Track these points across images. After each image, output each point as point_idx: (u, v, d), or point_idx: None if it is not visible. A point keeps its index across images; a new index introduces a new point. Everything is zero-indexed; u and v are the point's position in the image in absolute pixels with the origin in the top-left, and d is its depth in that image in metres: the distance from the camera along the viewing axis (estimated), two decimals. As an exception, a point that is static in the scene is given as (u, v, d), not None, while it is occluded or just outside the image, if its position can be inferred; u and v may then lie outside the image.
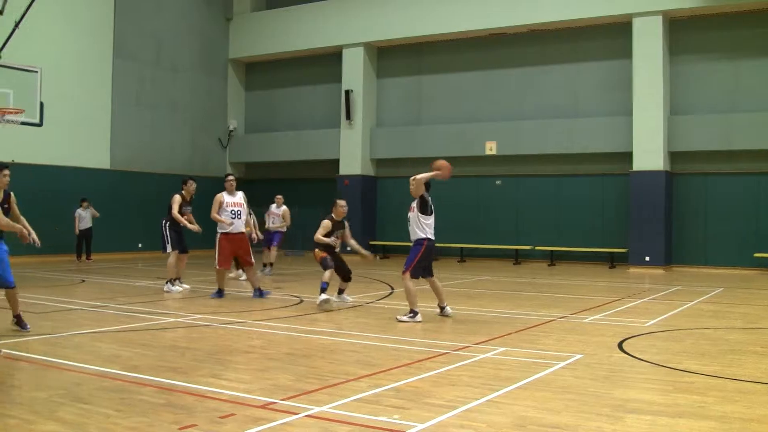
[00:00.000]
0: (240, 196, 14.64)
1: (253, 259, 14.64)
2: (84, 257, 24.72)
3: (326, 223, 13.28)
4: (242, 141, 32.53)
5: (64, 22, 25.84)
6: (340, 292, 13.66)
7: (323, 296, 12.70)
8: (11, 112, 18.28)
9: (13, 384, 7.15)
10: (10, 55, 19.32)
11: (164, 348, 9.15)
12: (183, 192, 15.74)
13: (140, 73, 28.47)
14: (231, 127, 32.26)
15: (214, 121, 31.73)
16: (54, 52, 24.81)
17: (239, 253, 14.63)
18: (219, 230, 14.49)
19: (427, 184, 11.87)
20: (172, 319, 11.56)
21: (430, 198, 11.78)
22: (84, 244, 24.87)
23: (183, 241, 15.78)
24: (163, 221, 15.79)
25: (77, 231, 24.70)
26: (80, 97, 26.18)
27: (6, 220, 8.15)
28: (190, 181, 16.07)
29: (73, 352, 8.79)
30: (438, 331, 10.53)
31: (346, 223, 13.66)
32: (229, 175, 14.98)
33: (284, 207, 20.29)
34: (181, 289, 15.51)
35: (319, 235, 13.25)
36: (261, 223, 19.90)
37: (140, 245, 27.25)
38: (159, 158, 28.85)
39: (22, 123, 18.79)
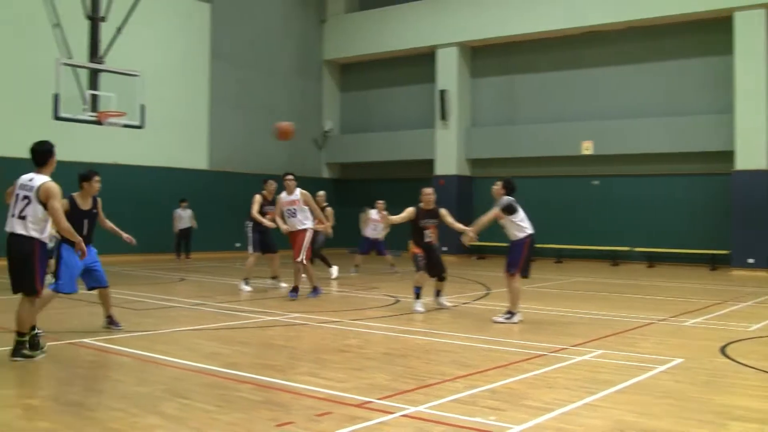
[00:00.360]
0: (297, 194, 14.30)
1: (301, 258, 14.11)
2: (183, 256, 25.23)
3: (410, 210, 12.70)
4: (337, 142, 32.80)
5: (164, 27, 26.49)
6: (438, 293, 13.07)
7: (418, 307, 12.43)
8: (113, 115, 18.78)
9: (118, 378, 7.34)
10: (112, 59, 19.84)
11: (262, 346, 9.28)
12: (264, 192, 15.87)
13: (237, 75, 28.97)
14: (326, 128, 32.56)
15: (309, 122, 32.05)
16: (154, 56, 25.45)
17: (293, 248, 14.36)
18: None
19: (511, 186, 11.65)
20: (270, 318, 11.71)
21: (511, 198, 11.51)
22: (183, 243, 25.38)
23: (265, 241, 15.80)
24: (246, 221, 16.00)
25: (176, 230, 25.23)
26: (179, 100, 26.80)
27: (67, 225, 8.23)
28: (270, 181, 16.18)
29: (173, 348, 8.98)
30: (534, 333, 10.41)
31: (442, 211, 12.74)
32: (288, 174, 14.77)
33: (385, 213, 19.92)
34: (250, 289, 15.56)
35: (395, 218, 12.80)
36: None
37: (237, 244, 27.69)
38: (256, 159, 29.26)
39: (124, 125, 19.28)
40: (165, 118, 25.15)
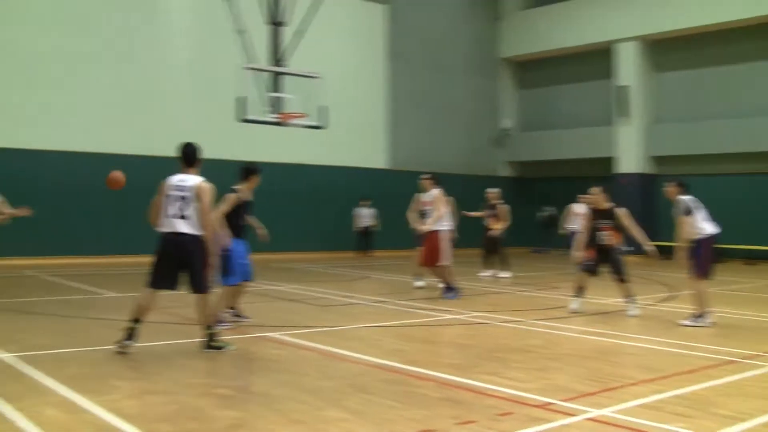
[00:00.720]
0: (430, 195, 14.29)
1: (439, 261, 13.97)
2: (364, 253, 25.67)
3: (586, 213, 12.48)
4: (515, 140, 32.52)
5: (342, 29, 27.10)
6: (626, 298, 12.14)
7: (573, 305, 12.19)
8: (295, 117, 19.34)
9: (303, 372, 7.52)
10: (294, 62, 20.44)
11: (443, 344, 9.32)
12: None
13: (414, 75, 29.24)
14: (504, 126, 32.36)
15: (486, 121, 31.98)
16: (333, 58, 26.03)
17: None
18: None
19: (684, 185, 11.19)
20: (451, 316, 11.73)
21: (687, 197, 11.04)
22: (364, 241, 25.84)
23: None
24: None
25: (358, 228, 25.71)
26: (359, 100, 27.32)
27: (212, 224, 8.39)
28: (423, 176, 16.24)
29: (356, 344, 9.15)
30: (724, 337, 9.97)
31: (618, 212, 12.09)
32: (424, 173, 14.81)
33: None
34: (422, 284, 15.72)
35: (583, 239, 12.40)
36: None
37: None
38: (435, 158, 29.41)
39: (306, 126, 19.81)
40: (344, 118, 25.66)
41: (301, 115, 19.49)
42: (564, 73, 31.36)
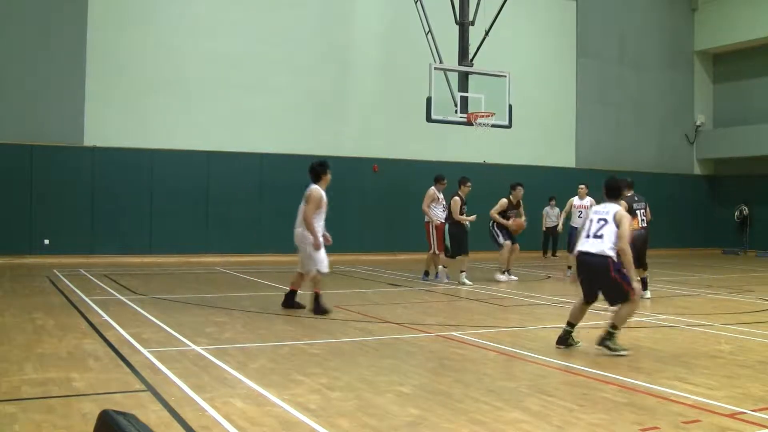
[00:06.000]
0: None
1: None
2: (549, 254, 25.37)
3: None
4: (710, 136, 31.15)
5: (529, 27, 26.87)
6: None
7: None
8: (483, 116, 19.36)
9: (485, 372, 7.53)
10: (480, 62, 20.45)
11: (627, 347, 9.09)
12: (459, 192, 16.51)
13: (603, 71, 28.63)
14: (698, 122, 31.10)
15: (679, 117, 30.84)
16: (520, 56, 25.85)
17: None
18: None
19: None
20: (637, 319, 11.42)
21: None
22: (550, 242, 25.52)
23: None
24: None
25: (544, 228, 25.42)
26: (545, 98, 27.00)
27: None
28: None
29: (539, 345, 9.08)
30: None
31: None
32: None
33: None
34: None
35: None
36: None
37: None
38: (624, 156, 28.72)
39: (493, 125, 19.79)
40: (532, 116, 25.44)
41: (489, 114, 19.49)
42: (763, 64, 29.75)
